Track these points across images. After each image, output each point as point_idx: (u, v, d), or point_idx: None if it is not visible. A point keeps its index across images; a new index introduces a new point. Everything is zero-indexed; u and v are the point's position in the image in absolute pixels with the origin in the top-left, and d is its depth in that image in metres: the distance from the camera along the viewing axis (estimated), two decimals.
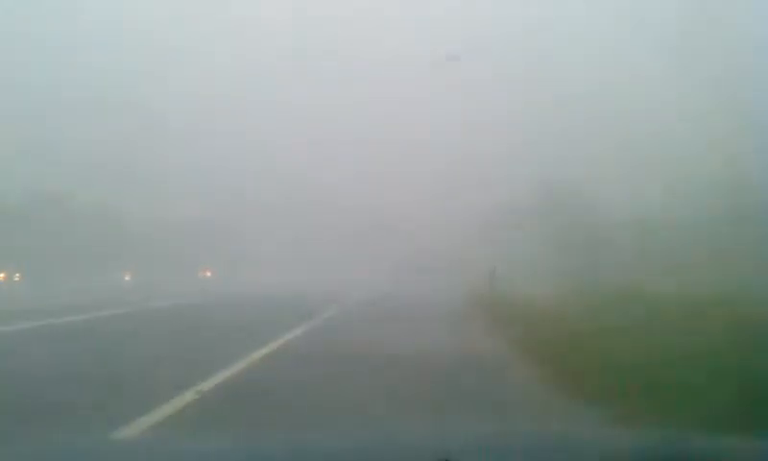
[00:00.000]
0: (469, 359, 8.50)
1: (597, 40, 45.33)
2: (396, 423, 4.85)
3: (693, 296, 11.99)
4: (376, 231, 51.36)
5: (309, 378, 6.98)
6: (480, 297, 20.42)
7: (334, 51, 62.04)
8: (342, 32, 63.99)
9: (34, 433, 4.58)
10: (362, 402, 5.78)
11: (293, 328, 11.78)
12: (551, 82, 49.23)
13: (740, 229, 18.42)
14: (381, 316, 16.23)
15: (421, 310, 17.09)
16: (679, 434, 3.01)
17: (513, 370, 7.56)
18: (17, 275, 37.33)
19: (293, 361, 8.42)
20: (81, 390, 6.29)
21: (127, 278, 44.73)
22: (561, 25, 55.35)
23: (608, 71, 40.66)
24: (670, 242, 20.52)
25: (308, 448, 2.39)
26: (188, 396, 5.94)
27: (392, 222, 51.99)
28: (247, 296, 25.08)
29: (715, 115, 30.91)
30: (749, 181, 21.74)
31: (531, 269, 23.98)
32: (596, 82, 41.41)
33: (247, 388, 6.63)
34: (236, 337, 10.91)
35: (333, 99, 60.66)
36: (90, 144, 48.90)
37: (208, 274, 52.30)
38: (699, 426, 4.46)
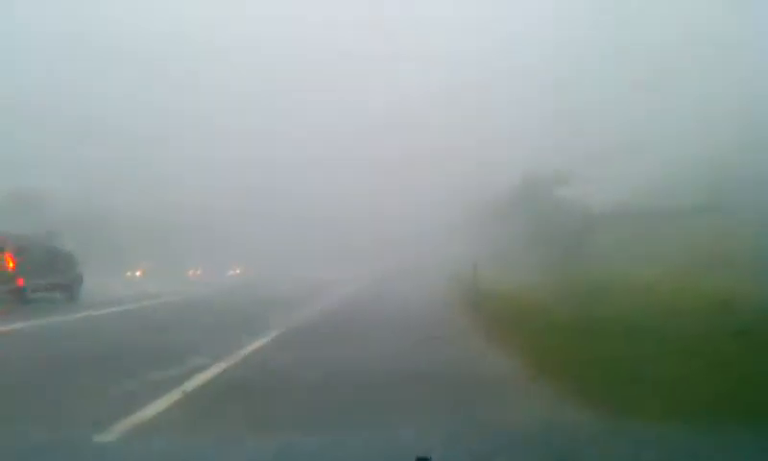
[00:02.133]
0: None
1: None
2: (378, 421, 4.83)
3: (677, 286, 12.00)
4: (351, 227, 50.21)
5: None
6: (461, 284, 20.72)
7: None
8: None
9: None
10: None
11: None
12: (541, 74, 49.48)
13: (720, 216, 18.57)
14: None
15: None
16: (669, 429, 3.01)
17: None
18: None
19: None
20: None
21: None
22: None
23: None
24: (652, 231, 20.62)
25: (293, 449, 2.37)
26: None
27: (370, 217, 50.92)
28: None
29: (701, 105, 31.11)
30: (730, 170, 21.97)
31: (513, 262, 24.06)
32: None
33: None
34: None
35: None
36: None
37: (138, 273, 46.56)
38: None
